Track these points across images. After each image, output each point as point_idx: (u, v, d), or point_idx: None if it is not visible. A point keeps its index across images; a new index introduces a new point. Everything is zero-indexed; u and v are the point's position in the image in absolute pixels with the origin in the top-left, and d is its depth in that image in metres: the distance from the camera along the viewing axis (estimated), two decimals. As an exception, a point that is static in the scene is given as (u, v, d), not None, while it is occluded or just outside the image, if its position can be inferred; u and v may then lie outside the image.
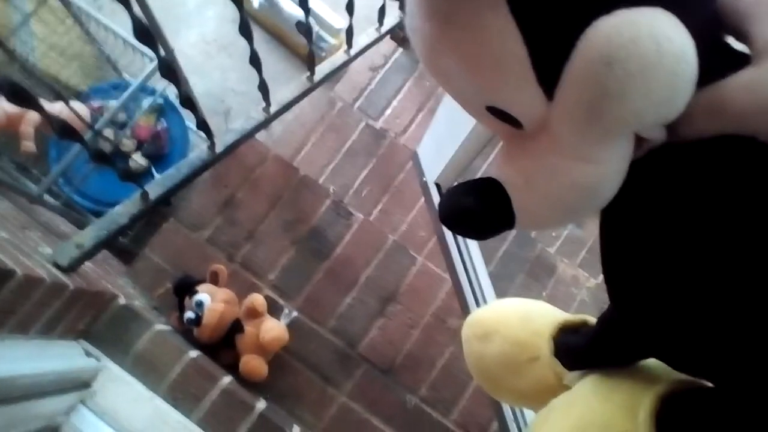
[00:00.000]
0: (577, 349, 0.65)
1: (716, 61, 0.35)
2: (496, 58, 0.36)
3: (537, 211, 0.41)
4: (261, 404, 1.21)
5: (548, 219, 0.42)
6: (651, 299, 0.43)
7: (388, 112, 1.99)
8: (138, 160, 1.88)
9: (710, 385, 0.48)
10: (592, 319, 0.67)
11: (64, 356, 1.05)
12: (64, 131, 0.84)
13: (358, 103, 1.99)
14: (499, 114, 0.40)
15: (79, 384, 1.09)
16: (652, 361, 0.57)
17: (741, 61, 0.35)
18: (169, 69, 0.98)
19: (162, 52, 0.94)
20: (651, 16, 0.32)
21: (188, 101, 1.10)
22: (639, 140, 0.38)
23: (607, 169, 0.38)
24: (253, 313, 1.37)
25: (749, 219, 0.37)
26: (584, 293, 1.79)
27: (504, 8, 0.33)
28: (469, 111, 0.43)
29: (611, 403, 0.53)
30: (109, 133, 1.72)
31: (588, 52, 0.33)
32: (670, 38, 0.32)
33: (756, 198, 0.36)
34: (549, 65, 0.35)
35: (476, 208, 0.41)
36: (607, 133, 0.36)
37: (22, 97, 0.76)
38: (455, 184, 0.42)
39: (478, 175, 0.43)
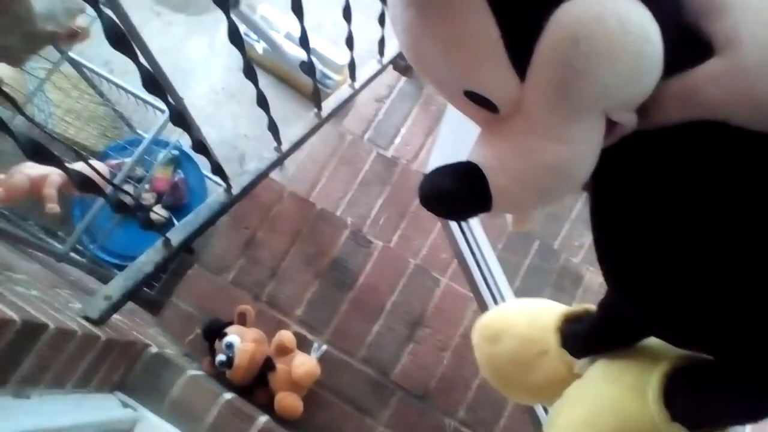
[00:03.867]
0: (582, 336, 0.67)
1: (683, 51, 0.36)
2: (471, 41, 0.37)
3: (512, 192, 0.42)
4: (299, 441, 1.20)
5: (524, 200, 0.43)
6: (642, 277, 0.45)
7: (398, 140, 2.02)
8: (158, 212, 1.92)
9: (710, 357, 0.49)
10: (593, 307, 0.68)
11: (101, 408, 1.06)
12: (85, 185, 0.86)
13: (367, 135, 2.02)
14: (475, 98, 0.41)
15: (119, 435, 1.10)
16: (654, 341, 0.58)
17: (706, 51, 0.37)
18: (180, 116, 1.01)
19: (171, 101, 0.97)
20: None
21: (201, 146, 1.13)
22: (611, 127, 0.39)
23: (579, 149, 0.39)
24: (283, 350, 1.37)
25: (729, 196, 0.38)
26: (614, 300, 1.75)
27: None
28: (447, 97, 0.45)
29: (620, 386, 0.55)
30: (128, 188, 1.77)
31: (556, 32, 0.34)
32: (634, 19, 0.33)
33: (729, 177, 0.38)
34: (521, 46, 0.36)
35: (454, 189, 0.42)
36: (577, 110, 0.37)
37: (43, 155, 0.79)
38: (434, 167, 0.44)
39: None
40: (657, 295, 0.45)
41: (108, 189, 1.03)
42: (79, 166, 1.02)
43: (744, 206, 0.38)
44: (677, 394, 0.50)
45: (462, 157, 0.44)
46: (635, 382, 0.54)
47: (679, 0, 0.38)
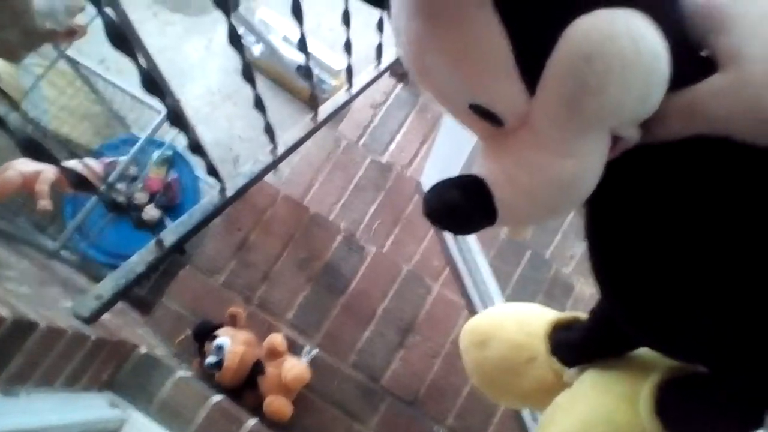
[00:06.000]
0: (572, 344, 0.67)
1: (686, 66, 0.36)
2: (481, 54, 0.37)
3: (518, 206, 0.42)
4: (288, 445, 1.20)
5: (529, 214, 0.43)
6: (637, 289, 0.45)
7: (393, 146, 2.02)
8: (150, 212, 1.91)
9: (702, 369, 0.49)
10: (584, 315, 0.68)
11: (89, 408, 1.05)
12: (79, 182, 0.86)
13: (362, 140, 2.02)
14: (481, 111, 0.41)
15: (106, 435, 1.09)
16: (645, 351, 0.59)
17: (710, 66, 0.37)
18: (177, 117, 1.01)
19: (169, 102, 0.97)
20: (628, 16, 0.33)
21: (197, 147, 1.13)
22: (614, 141, 0.39)
23: (585, 165, 0.39)
24: (274, 353, 1.37)
25: (729, 212, 0.39)
26: (604, 310, 1.76)
27: (489, 6, 0.35)
28: (450, 110, 0.45)
29: (612, 396, 0.55)
30: (121, 187, 1.76)
31: (569, 49, 0.34)
32: (647, 37, 0.33)
33: (728, 192, 0.39)
34: (532, 61, 0.36)
35: (460, 203, 0.42)
36: (586, 127, 0.37)
37: (37, 152, 0.79)
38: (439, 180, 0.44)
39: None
40: (651, 307, 0.45)
41: (102, 187, 1.02)
42: (73, 163, 1.02)
43: (742, 221, 0.38)
44: (669, 406, 0.51)
45: (457, 165, 0.44)
46: (627, 392, 0.54)
47: (683, 16, 0.38)
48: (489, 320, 0.78)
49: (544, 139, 0.39)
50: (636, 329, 0.50)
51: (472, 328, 0.79)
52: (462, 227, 0.45)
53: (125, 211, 1.01)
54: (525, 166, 0.40)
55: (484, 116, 0.41)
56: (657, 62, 0.34)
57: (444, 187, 0.43)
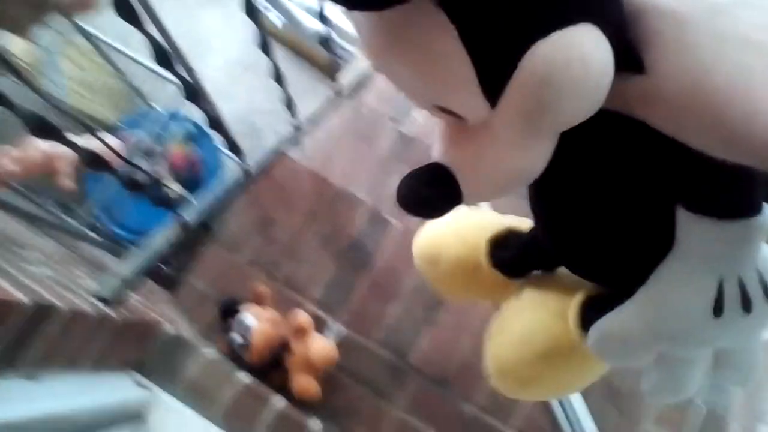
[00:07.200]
0: (509, 262, 0.79)
1: (621, 60, 0.41)
2: (445, 73, 0.40)
3: (481, 191, 0.49)
4: (316, 425, 1.18)
5: (490, 195, 0.51)
6: (558, 224, 0.58)
7: (418, 117, 1.96)
8: (173, 189, 1.89)
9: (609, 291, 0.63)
10: (517, 226, 0.80)
11: (115, 389, 1.04)
12: (93, 162, 0.83)
13: (386, 111, 1.96)
14: (444, 110, 0.46)
15: (133, 416, 1.08)
16: (570, 274, 0.70)
17: (638, 64, 0.42)
18: (194, 91, 0.97)
19: (184, 75, 0.93)
20: (581, 36, 0.37)
21: (216, 122, 1.09)
22: None
23: (539, 157, 0.45)
24: (300, 332, 1.34)
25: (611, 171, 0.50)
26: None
27: (452, 32, 0.37)
28: (414, 103, 0.49)
29: (548, 312, 0.69)
30: (142, 164, 1.74)
31: (529, 72, 0.38)
32: (597, 59, 0.38)
33: (615, 158, 0.50)
34: (493, 82, 0.40)
35: (431, 196, 0.48)
36: (541, 134, 0.43)
37: (47, 131, 0.76)
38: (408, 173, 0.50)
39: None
40: (565, 235, 0.58)
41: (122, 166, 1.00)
42: (92, 142, 0.99)
43: (617, 178, 0.49)
44: (588, 317, 0.62)
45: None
46: (560, 308, 0.67)
47: (625, 21, 0.42)
48: (432, 240, 0.88)
49: (503, 138, 0.44)
50: (557, 249, 0.64)
51: (420, 248, 0.89)
52: (433, 215, 0.51)
53: (144, 190, 0.98)
54: (486, 158, 0.46)
55: (447, 113, 0.45)
56: (604, 78, 0.39)
57: (413, 180, 0.49)
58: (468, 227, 0.84)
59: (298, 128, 1.47)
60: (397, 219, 1.57)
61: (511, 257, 0.78)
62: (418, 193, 0.48)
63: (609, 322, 0.59)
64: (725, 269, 0.50)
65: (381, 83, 2.00)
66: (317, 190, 1.59)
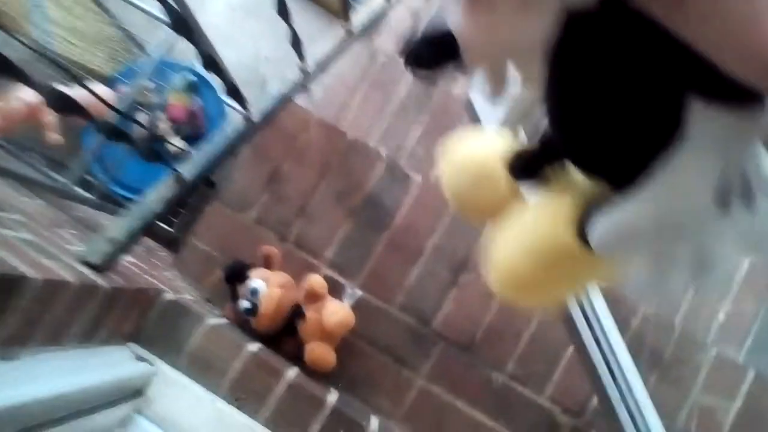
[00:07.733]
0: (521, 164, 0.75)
1: None
2: None
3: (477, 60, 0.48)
4: (332, 396, 1.09)
5: (486, 64, 0.49)
6: (573, 126, 0.54)
7: (437, 60, 1.80)
8: (175, 143, 1.76)
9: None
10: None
11: (111, 364, 0.95)
12: (66, 107, 0.70)
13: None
14: None
15: (133, 392, 1.00)
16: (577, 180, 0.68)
17: None
18: (183, 22, 0.83)
19: (171, 3, 0.79)
20: None
21: (211, 62, 0.95)
22: None
23: (536, 27, 0.43)
24: (314, 296, 1.24)
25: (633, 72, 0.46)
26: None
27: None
28: None
29: (548, 212, 0.66)
30: (140, 116, 1.61)
31: None
32: None
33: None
34: None
35: (434, 49, 0.47)
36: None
37: (10, 72, 0.63)
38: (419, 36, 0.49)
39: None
40: (575, 124, 0.54)
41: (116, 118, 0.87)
42: (81, 92, 0.86)
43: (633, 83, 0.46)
44: (593, 215, 0.60)
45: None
46: (561, 210, 0.64)
47: None
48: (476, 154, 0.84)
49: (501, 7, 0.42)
50: (570, 150, 0.60)
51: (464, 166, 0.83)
52: (429, 65, 0.50)
53: (129, 140, 0.85)
54: (481, 24, 0.45)
55: None
56: None
57: (423, 47, 0.48)
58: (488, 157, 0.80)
59: (306, 72, 1.33)
60: (417, 173, 1.44)
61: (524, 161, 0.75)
62: (421, 60, 0.48)
63: (616, 213, 0.57)
64: (730, 161, 0.49)
65: (398, 24, 1.83)
66: (330, 142, 1.46)
